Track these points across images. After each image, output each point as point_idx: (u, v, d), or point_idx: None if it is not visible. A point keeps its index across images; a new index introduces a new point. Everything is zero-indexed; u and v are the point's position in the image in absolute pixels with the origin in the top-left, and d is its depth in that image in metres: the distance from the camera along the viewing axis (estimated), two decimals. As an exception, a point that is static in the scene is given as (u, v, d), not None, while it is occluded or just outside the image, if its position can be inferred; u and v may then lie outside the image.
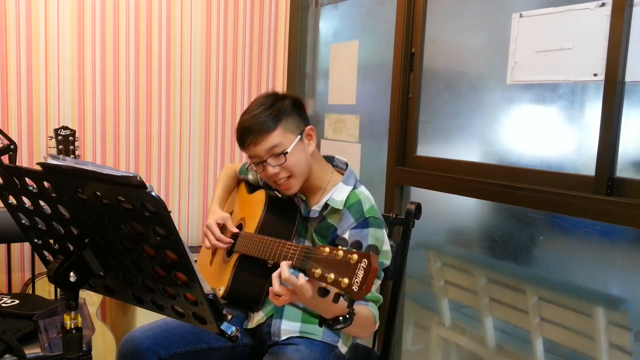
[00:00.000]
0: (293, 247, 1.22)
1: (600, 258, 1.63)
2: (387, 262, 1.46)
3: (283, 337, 1.45)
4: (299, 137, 1.42)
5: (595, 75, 1.53)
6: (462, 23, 2.01)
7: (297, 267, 1.12)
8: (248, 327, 1.53)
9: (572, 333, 1.69)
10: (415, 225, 1.61)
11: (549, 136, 1.72)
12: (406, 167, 2.17)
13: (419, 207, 1.60)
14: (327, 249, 1.04)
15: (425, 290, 2.22)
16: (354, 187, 1.47)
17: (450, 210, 2.09)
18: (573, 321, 1.68)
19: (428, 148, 2.13)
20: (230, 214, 1.71)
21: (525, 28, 1.72)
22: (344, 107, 2.57)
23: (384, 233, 1.44)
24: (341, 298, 1.05)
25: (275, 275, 1.14)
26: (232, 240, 1.55)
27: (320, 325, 1.19)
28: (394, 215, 1.65)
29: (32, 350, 1.61)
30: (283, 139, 1.39)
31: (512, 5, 1.78)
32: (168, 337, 1.47)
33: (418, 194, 2.16)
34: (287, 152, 1.39)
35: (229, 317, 1.01)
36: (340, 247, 1.03)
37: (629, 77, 1.47)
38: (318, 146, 2.74)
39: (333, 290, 1.01)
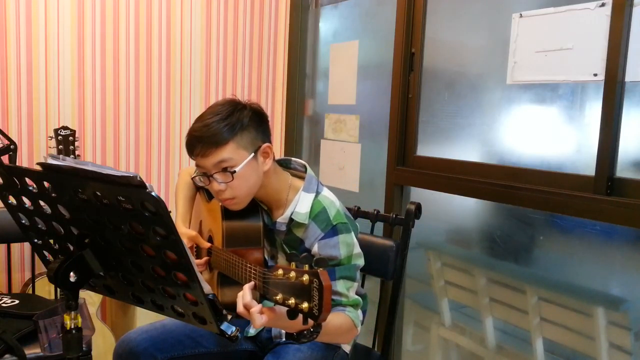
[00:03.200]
0: (254, 270, 1.16)
1: (600, 258, 1.63)
2: (361, 262, 1.41)
3: (285, 339, 1.45)
4: (252, 155, 1.30)
5: (595, 75, 1.53)
6: (462, 23, 2.01)
7: (260, 294, 1.09)
8: (249, 335, 1.52)
9: (572, 333, 1.69)
10: (415, 225, 1.61)
11: (549, 136, 1.72)
12: (406, 167, 2.17)
13: (419, 207, 1.60)
14: (280, 271, 0.99)
15: (425, 290, 2.22)
16: (317, 193, 1.39)
17: (450, 210, 2.09)
18: (573, 321, 1.68)
19: (428, 148, 2.13)
20: (200, 223, 1.65)
21: (525, 28, 1.72)
22: (344, 107, 2.57)
23: (352, 236, 1.37)
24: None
25: (239, 296, 1.10)
26: (207, 259, 1.49)
27: (287, 339, 1.14)
28: (394, 215, 1.66)
29: (32, 350, 1.61)
30: (234, 155, 1.28)
31: (512, 5, 1.78)
32: (165, 340, 1.46)
33: (418, 194, 2.16)
34: (234, 171, 1.27)
35: (229, 317, 1.01)
36: (293, 264, 0.98)
37: (629, 77, 1.47)
38: (318, 147, 2.74)
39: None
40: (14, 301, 1.84)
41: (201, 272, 1.55)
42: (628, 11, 1.46)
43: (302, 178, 1.43)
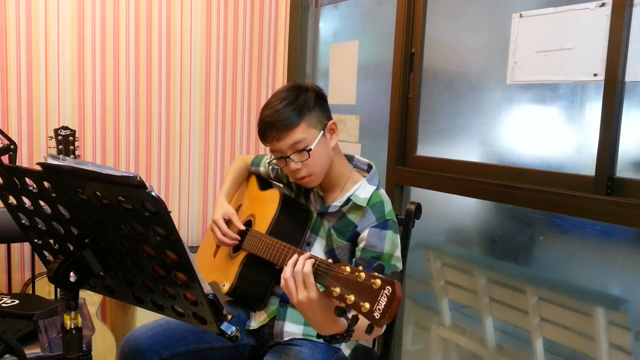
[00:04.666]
0: (315, 259, 1.17)
1: (600, 258, 1.63)
2: (400, 266, 1.45)
3: (285, 339, 1.45)
4: (321, 132, 1.39)
5: (595, 75, 1.53)
6: (462, 23, 2.01)
7: (317, 281, 1.10)
8: (250, 328, 1.53)
9: (572, 333, 1.69)
10: (415, 225, 1.61)
11: (549, 136, 1.72)
12: (406, 167, 2.17)
13: (419, 207, 1.60)
14: (348, 269, 1.01)
15: (425, 290, 2.22)
16: (377, 188, 1.46)
17: (450, 210, 2.09)
18: (573, 321, 1.68)
19: (428, 148, 2.13)
20: (238, 207, 1.70)
21: (525, 28, 1.72)
22: (344, 107, 2.57)
23: (398, 238, 1.43)
24: (340, 318, 1.05)
25: (291, 262, 1.13)
26: (239, 238, 1.54)
27: (318, 337, 1.16)
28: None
29: (32, 350, 1.61)
30: (306, 134, 1.37)
31: (512, 5, 1.78)
32: (169, 337, 1.46)
33: (418, 194, 2.16)
34: (310, 149, 1.36)
35: (229, 317, 1.01)
36: (361, 268, 1.00)
37: (629, 77, 1.47)
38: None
39: (350, 311, 0.99)
40: (14, 301, 1.84)
41: (226, 247, 1.61)
42: (628, 11, 1.46)
43: (362, 174, 1.51)
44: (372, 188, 1.44)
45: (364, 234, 1.40)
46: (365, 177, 1.48)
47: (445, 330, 2.12)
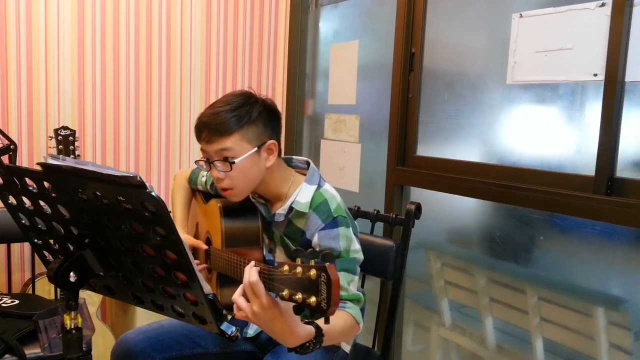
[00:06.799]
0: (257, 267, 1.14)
1: (600, 258, 1.63)
2: (360, 257, 1.39)
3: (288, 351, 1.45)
4: (255, 149, 1.32)
5: (595, 75, 1.53)
6: (462, 23, 2.01)
7: (266, 288, 1.06)
8: (248, 336, 1.51)
9: (572, 333, 1.69)
10: (415, 225, 1.61)
11: (549, 136, 1.72)
12: (406, 167, 2.17)
13: (419, 207, 1.60)
14: (286, 267, 0.98)
15: (425, 290, 2.21)
16: (319, 186, 1.40)
17: (450, 210, 2.09)
18: (573, 321, 1.68)
19: (428, 148, 2.13)
20: (197, 225, 1.66)
21: (525, 28, 1.72)
22: (344, 107, 2.57)
23: (351, 232, 1.37)
24: (307, 325, 1.04)
25: (245, 275, 1.06)
26: (206, 266, 1.51)
27: (289, 351, 1.11)
28: (394, 215, 1.65)
29: (32, 350, 1.61)
30: (236, 146, 1.30)
31: (512, 5, 1.78)
32: (162, 341, 1.45)
33: (418, 194, 2.16)
34: (234, 162, 1.30)
35: (229, 317, 1.01)
36: (298, 260, 0.97)
37: (629, 77, 1.47)
38: (318, 147, 2.74)
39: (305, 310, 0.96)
40: (14, 301, 1.84)
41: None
42: (628, 11, 1.46)
43: (303, 173, 1.45)
44: (313, 188, 1.38)
45: (315, 239, 1.34)
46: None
47: (445, 330, 2.12)
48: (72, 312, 1.03)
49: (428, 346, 2.22)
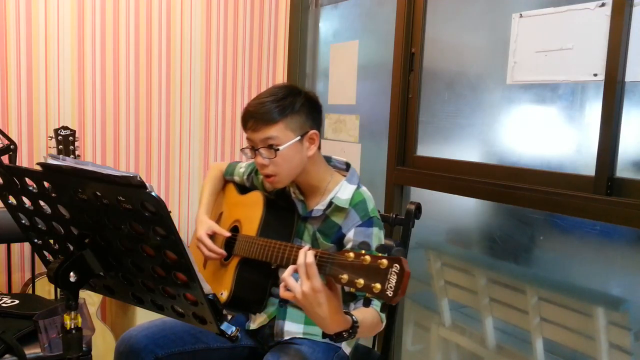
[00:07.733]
0: (314, 251, 1.18)
1: (600, 258, 1.63)
2: None
3: (286, 338, 1.45)
4: (298, 137, 1.39)
5: (595, 75, 1.53)
6: (462, 23, 2.01)
7: (321, 273, 1.10)
8: (250, 329, 1.52)
9: (572, 333, 1.69)
10: (415, 225, 1.61)
11: (549, 136, 1.72)
12: (406, 167, 2.17)
13: (419, 207, 1.60)
14: (352, 254, 1.03)
15: (425, 290, 2.22)
16: (358, 186, 1.46)
17: (450, 210, 2.09)
18: (573, 321, 1.68)
19: (428, 148, 2.13)
20: (219, 216, 1.69)
21: (525, 28, 1.72)
22: (344, 107, 2.57)
23: (382, 234, 1.45)
24: (345, 315, 1.08)
25: (301, 253, 1.12)
26: (225, 254, 1.54)
27: (324, 337, 1.16)
28: (394, 215, 1.65)
29: (32, 350, 1.61)
30: (281, 134, 1.37)
31: (512, 5, 1.78)
32: (165, 337, 1.46)
33: (418, 194, 2.16)
34: (278, 149, 1.37)
35: (229, 317, 1.01)
36: (364, 251, 1.02)
37: (629, 77, 1.47)
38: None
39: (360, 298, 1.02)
40: (14, 301, 1.84)
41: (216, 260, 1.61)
42: (628, 11, 1.46)
43: (342, 173, 1.51)
44: (353, 187, 1.45)
45: (350, 234, 1.40)
46: (345, 176, 1.49)
47: (445, 330, 2.12)
48: (72, 312, 1.03)
49: (428, 346, 2.22)
